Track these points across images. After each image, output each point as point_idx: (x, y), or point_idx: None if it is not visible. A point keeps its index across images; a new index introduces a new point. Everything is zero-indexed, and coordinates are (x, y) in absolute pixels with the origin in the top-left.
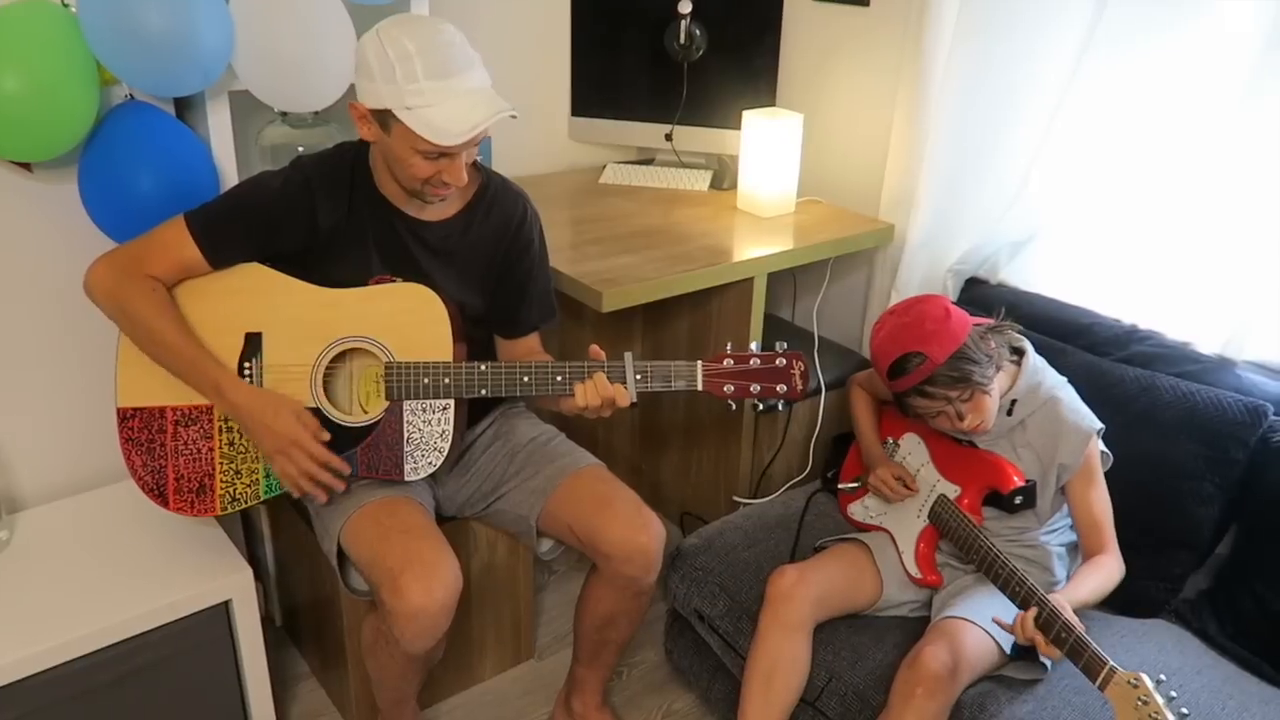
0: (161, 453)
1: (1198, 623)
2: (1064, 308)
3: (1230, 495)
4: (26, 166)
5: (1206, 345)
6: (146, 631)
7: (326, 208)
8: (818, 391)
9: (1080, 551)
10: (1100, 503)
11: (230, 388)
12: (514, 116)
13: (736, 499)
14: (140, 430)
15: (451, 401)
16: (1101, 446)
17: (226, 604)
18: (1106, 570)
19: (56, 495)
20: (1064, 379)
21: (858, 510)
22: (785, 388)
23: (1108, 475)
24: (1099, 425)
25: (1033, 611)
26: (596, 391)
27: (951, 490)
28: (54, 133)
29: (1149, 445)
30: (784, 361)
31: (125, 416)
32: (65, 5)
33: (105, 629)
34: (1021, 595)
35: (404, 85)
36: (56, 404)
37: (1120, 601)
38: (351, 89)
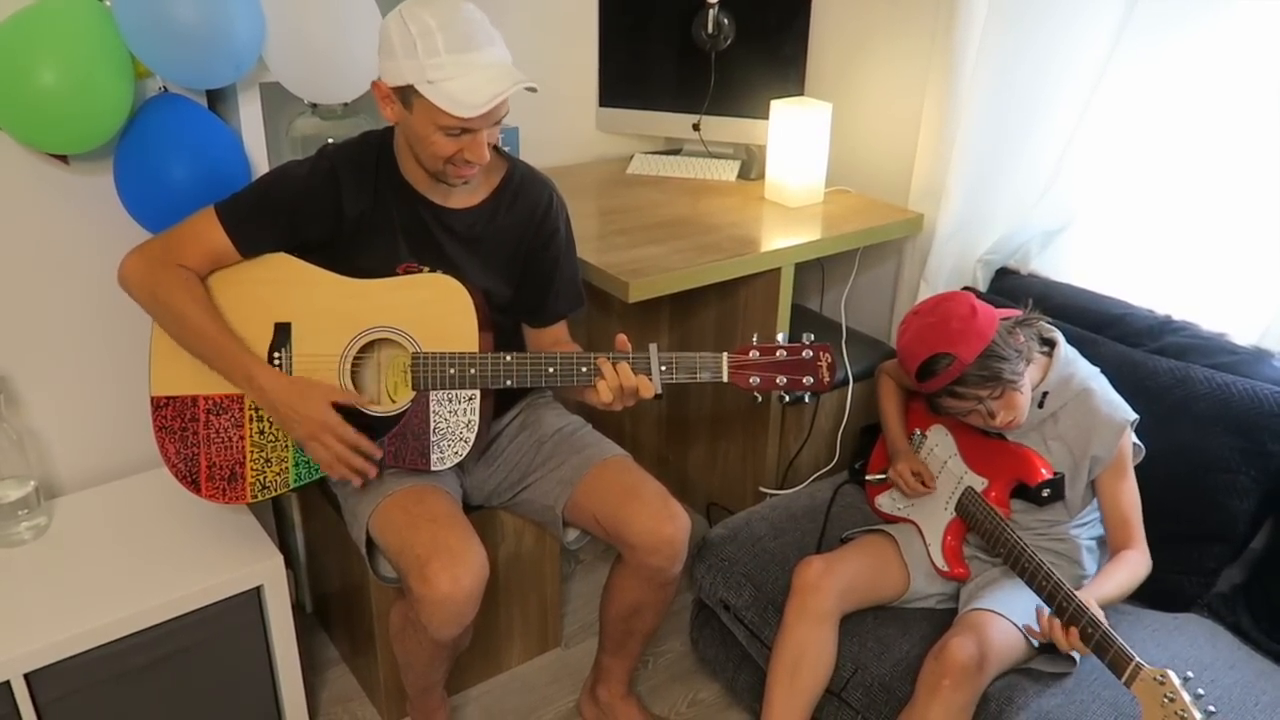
0: (194, 441)
1: (1231, 617)
2: (1097, 298)
3: (1266, 488)
4: (63, 159)
5: (1242, 336)
6: (180, 616)
7: (352, 196)
8: (845, 382)
9: (1106, 546)
10: (1129, 497)
11: (261, 375)
12: (533, 89)
13: (763, 490)
14: (173, 419)
15: (477, 392)
16: (1133, 438)
17: (258, 590)
18: (1132, 566)
19: (92, 482)
20: (1096, 369)
21: (885, 502)
22: (812, 380)
23: (1141, 467)
24: (1133, 416)
25: (1048, 617)
26: (621, 383)
27: (979, 483)
28: (90, 125)
29: (1183, 437)
30: (811, 353)
31: (159, 405)
32: None
33: (140, 613)
34: (1048, 590)
35: (425, 59)
36: (92, 393)
37: (1153, 595)
38: None
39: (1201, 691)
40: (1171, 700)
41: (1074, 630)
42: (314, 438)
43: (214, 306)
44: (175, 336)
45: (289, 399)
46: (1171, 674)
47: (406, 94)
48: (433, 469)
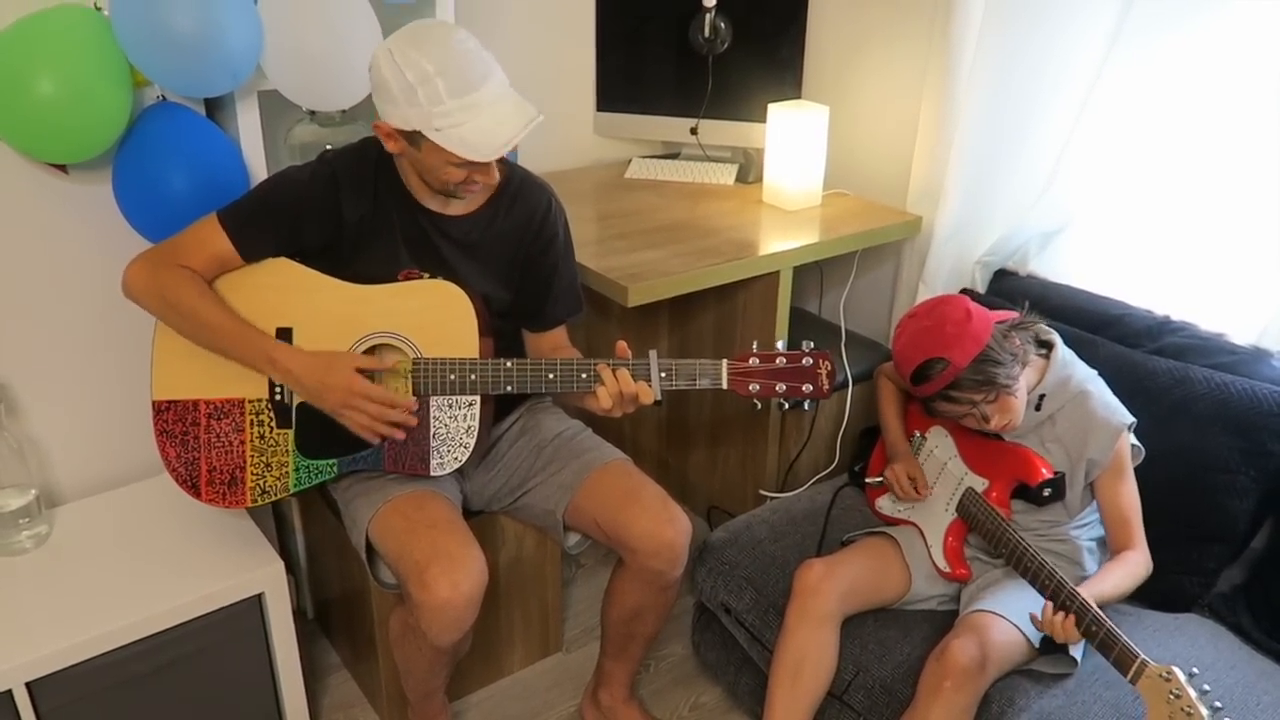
0: (195, 445)
1: (1232, 617)
2: (1095, 299)
3: (1266, 488)
4: (62, 168)
5: (1241, 336)
6: (181, 623)
7: (351, 201)
8: (845, 385)
9: (1107, 547)
10: (1128, 498)
11: (283, 357)
12: (541, 119)
13: (763, 493)
14: (174, 423)
15: (478, 397)
16: (1133, 440)
17: (259, 596)
18: (1131, 566)
19: (93, 490)
20: (1094, 372)
21: (885, 504)
22: (811, 387)
23: (1141, 468)
24: (1130, 420)
25: (1048, 608)
26: (621, 390)
27: (979, 483)
28: (88, 135)
29: (1183, 438)
30: (810, 361)
31: (160, 409)
32: (98, 9)
33: (142, 621)
34: (1050, 589)
35: (429, 108)
36: (92, 401)
37: (1153, 596)
38: None
39: (1207, 687)
40: (1177, 697)
41: (1072, 617)
42: (348, 405)
43: (222, 299)
44: (189, 335)
45: (315, 373)
46: (1177, 670)
47: (414, 136)
48: (433, 474)
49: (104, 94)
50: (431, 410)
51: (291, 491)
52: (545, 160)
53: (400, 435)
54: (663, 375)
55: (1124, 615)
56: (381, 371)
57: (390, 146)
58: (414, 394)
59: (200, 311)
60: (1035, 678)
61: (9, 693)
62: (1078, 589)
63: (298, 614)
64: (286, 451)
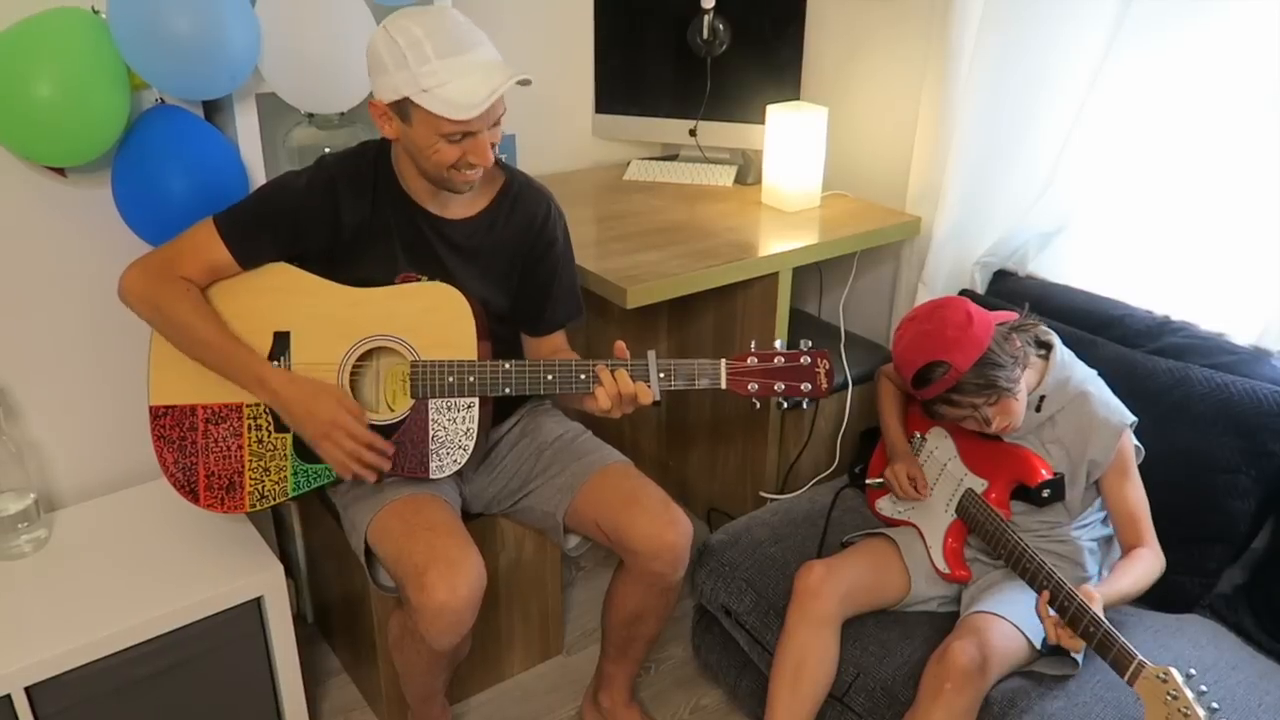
0: (192, 450)
1: (1233, 618)
2: (1095, 299)
3: (1267, 488)
4: (61, 171)
5: (1241, 336)
6: (181, 628)
7: (350, 206)
8: (845, 386)
9: (1119, 545)
10: (1135, 496)
11: (271, 378)
12: (527, 81)
13: (763, 495)
14: (172, 428)
15: (476, 400)
16: (1133, 440)
17: (258, 600)
18: (1144, 563)
19: (92, 494)
20: (1094, 372)
21: (885, 505)
22: (810, 386)
23: (1141, 468)
24: (1131, 419)
25: (1046, 595)
26: (619, 390)
27: (979, 484)
28: (87, 137)
29: (1183, 438)
30: (809, 360)
31: (157, 414)
32: (95, 12)
33: (141, 625)
34: (1049, 589)
35: (417, 68)
36: (92, 404)
37: (1154, 596)
38: None
39: (1204, 688)
40: (1174, 698)
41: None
42: (325, 436)
43: (216, 315)
44: (181, 347)
45: (301, 399)
46: (1174, 671)
47: (404, 107)
48: (431, 477)
49: (102, 96)
50: (430, 413)
51: (290, 496)
52: (544, 162)
53: (372, 477)
54: (661, 375)
55: (1125, 616)
56: (368, 393)
57: (385, 130)
58: (412, 396)
59: (194, 326)
60: (1037, 679)
61: (8, 697)
62: (1082, 588)
63: (297, 618)
64: (285, 456)
